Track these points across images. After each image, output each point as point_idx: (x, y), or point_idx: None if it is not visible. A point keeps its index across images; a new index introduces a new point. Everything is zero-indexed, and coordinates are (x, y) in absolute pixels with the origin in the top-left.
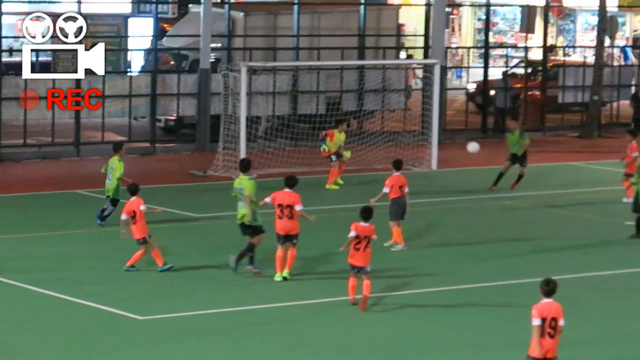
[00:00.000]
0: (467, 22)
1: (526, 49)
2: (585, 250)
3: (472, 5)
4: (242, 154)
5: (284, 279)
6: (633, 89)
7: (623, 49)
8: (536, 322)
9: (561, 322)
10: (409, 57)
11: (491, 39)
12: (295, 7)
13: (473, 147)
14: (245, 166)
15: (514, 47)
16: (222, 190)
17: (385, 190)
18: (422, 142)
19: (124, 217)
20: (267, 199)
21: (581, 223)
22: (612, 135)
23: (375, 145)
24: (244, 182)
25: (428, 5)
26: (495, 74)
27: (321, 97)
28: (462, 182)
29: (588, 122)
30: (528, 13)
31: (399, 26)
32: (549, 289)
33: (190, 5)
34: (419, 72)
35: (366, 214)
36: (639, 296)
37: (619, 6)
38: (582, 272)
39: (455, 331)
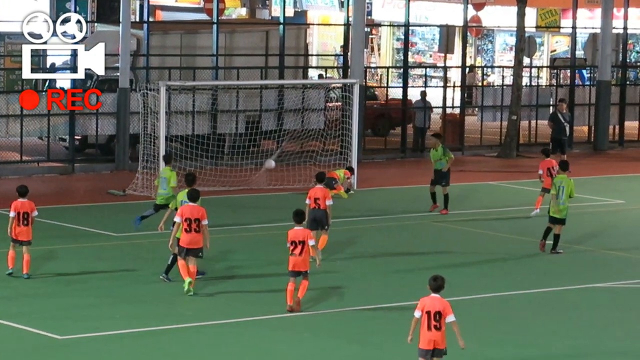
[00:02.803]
0: (386, 41)
1: (445, 68)
2: (503, 268)
3: (390, 25)
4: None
5: (189, 284)
6: (551, 109)
7: (579, 71)
8: (415, 314)
9: (450, 318)
10: (323, 76)
11: (410, 59)
12: (214, 26)
13: (269, 163)
14: (190, 181)
15: (433, 66)
16: (141, 210)
17: (306, 201)
18: (341, 162)
19: (177, 219)
20: (176, 218)
21: (500, 241)
22: (530, 155)
23: (294, 165)
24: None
25: (347, 24)
26: (415, 93)
27: (240, 116)
28: (381, 202)
29: (507, 142)
30: (447, 33)
31: (321, 45)
32: (436, 284)
33: (96, 24)
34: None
35: (298, 216)
36: (549, 314)
37: (537, 27)
38: (502, 291)
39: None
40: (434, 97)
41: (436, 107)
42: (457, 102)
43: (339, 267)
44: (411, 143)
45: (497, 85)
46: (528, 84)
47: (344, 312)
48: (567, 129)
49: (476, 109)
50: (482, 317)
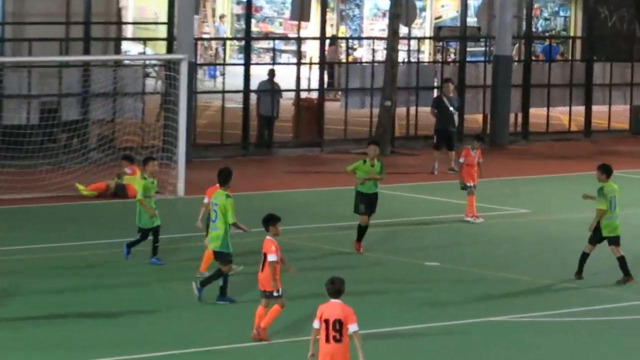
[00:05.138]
0: (224, 6)
1: (299, 40)
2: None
3: None
4: None
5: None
6: (435, 92)
7: (547, 46)
8: (314, 324)
9: (352, 327)
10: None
11: (254, 29)
12: None
13: None
14: (223, 179)
15: (284, 38)
16: None
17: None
18: (165, 161)
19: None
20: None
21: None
22: (409, 152)
23: (105, 164)
24: (219, 198)
25: None
26: (260, 72)
27: (34, 103)
28: None
29: (378, 135)
30: None
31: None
32: (334, 288)
33: None
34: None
35: (265, 223)
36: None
37: None
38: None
39: None
40: (285, 77)
41: (287, 90)
42: (315, 84)
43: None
44: (255, 137)
45: (367, 62)
46: (406, 60)
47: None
48: (456, 117)
49: (339, 92)
50: None
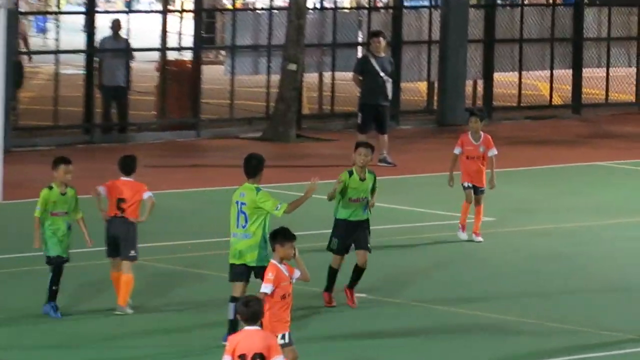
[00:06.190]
0: None
1: None
2: None
3: None
4: None
5: None
6: (360, 52)
7: None
8: (224, 359)
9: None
10: None
11: None
12: None
13: None
14: (253, 169)
15: None
16: None
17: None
18: None
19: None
20: None
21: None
22: (321, 135)
23: None
24: (247, 194)
25: None
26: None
27: None
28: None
29: (279, 113)
30: None
31: None
32: (249, 311)
33: None
34: None
35: (271, 241)
36: None
37: None
38: None
39: None
40: (145, 31)
41: (145, 50)
42: (188, 41)
43: None
44: (101, 116)
45: (262, 9)
46: (318, 4)
47: None
48: (389, 86)
49: (222, 52)
50: None
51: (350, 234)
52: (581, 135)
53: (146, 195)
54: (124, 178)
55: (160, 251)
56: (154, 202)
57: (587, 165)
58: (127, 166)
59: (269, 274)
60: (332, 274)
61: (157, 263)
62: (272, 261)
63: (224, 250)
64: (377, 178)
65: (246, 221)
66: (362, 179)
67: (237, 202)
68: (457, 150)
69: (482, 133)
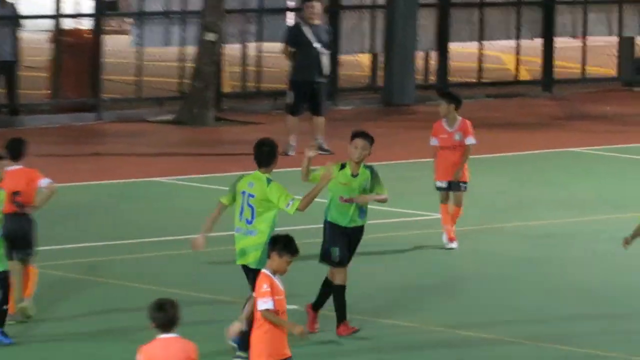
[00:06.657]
0: None
1: None
2: None
3: None
4: None
5: None
6: (291, 19)
7: None
8: None
9: None
10: None
11: None
12: None
13: None
14: (267, 157)
15: None
16: None
17: None
18: None
19: None
20: None
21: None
22: (245, 118)
23: None
24: (257, 185)
25: None
26: None
27: None
28: None
29: (194, 93)
30: None
31: None
32: (166, 317)
33: None
34: None
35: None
36: None
37: None
38: None
39: None
40: None
41: (35, 17)
42: (87, 7)
43: None
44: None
45: None
46: None
47: None
48: (326, 60)
49: (128, 20)
50: None
51: (343, 240)
52: (553, 116)
53: (44, 182)
54: (10, 167)
55: (56, 255)
56: (56, 189)
57: (559, 151)
58: (16, 150)
59: (264, 286)
60: (326, 288)
61: (52, 270)
62: (264, 271)
63: (134, 254)
64: (376, 173)
65: (252, 216)
66: (354, 175)
67: (243, 192)
68: (433, 142)
69: (459, 118)
